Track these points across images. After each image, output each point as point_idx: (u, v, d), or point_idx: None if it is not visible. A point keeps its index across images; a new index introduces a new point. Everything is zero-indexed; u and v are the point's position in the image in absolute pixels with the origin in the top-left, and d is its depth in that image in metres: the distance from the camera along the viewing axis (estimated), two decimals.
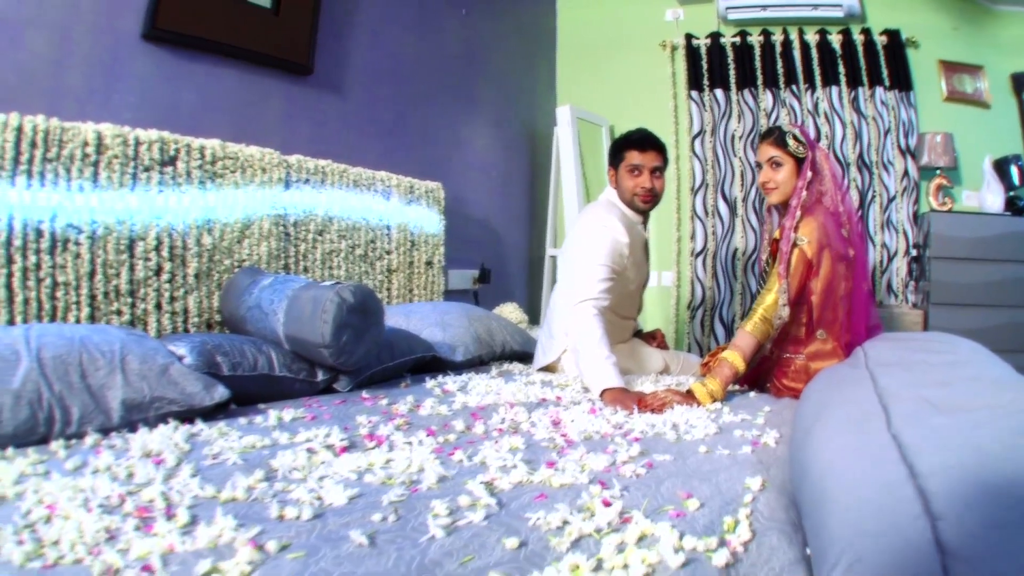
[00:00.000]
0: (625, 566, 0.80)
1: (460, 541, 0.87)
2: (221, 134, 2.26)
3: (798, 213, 1.93)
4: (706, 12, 3.96)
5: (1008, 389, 1.12)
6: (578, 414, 1.55)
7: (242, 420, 1.50)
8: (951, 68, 3.60)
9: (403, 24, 3.16)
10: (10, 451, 1.23)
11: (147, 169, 2.01)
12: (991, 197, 3.32)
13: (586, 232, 2.21)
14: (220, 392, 1.53)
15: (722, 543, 0.87)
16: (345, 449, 1.26)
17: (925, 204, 3.51)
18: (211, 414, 1.53)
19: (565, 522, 0.91)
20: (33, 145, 1.79)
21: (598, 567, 0.80)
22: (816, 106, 3.70)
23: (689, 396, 1.74)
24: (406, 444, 1.28)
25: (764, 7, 3.78)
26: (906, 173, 3.52)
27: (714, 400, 1.75)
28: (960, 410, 1.01)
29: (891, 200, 3.55)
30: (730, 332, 3.74)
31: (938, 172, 3.44)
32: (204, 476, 1.11)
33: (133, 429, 1.38)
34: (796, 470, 1.10)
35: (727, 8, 3.84)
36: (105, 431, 1.37)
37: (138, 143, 2.00)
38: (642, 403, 1.69)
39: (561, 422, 1.49)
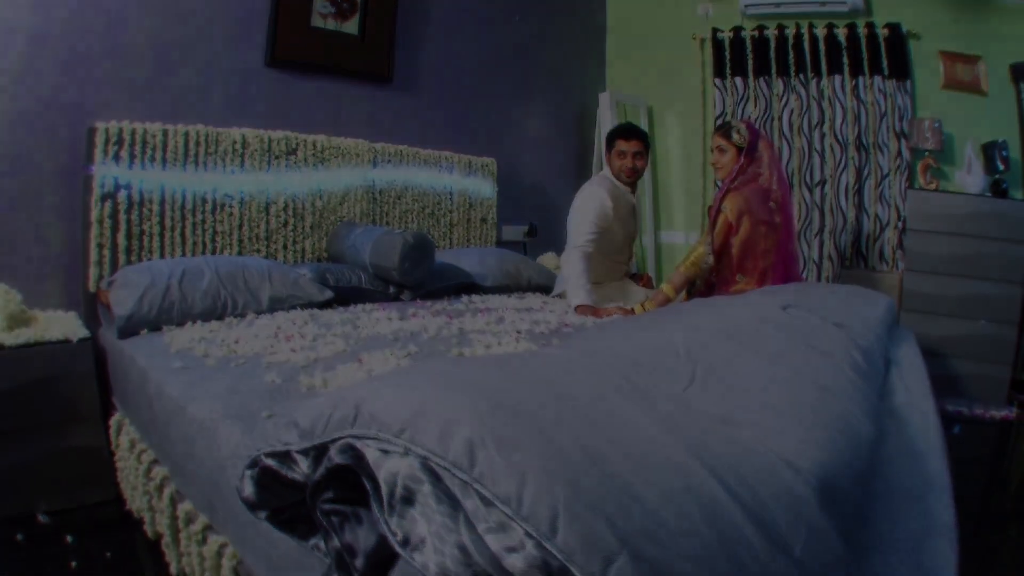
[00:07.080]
0: (500, 348, 1.67)
1: (437, 340, 1.81)
2: (326, 130, 3.11)
3: (726, 189, 2.64)
4: (731, 7, 4.48)
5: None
6: (548, 314, 2.39)
7: (341, 308, 2.44)
8: (951, 58, 3.89)
9: (464, 35, 3.91)
10: (199, 322, 2.13)
11: (277, 157, 2.84)
12: (971, 179, 3.62)
13: (582, 199, 2.94)
14: (327, 294, 2.48)
15: None
16: (398, 320, 2.17)
17: (917, 183, 3.86)
18: (322, 306, 2.46)
19: (488, 340, 1.79)
20: (198, 144, 2.60)
21: (488, 348, 1.68)
22: (821, 92, 4.21)
23: (631, 312, 2.54)
24: (432, 318, 2.18)
25: (778, 4, 4.29)
26: (899, 154, 3.98)
27: None
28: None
29: (884, 177, 4.04)
30: None
31: (926, 154, 3.81)
32: (320, 326, 2.04)
33: (274, 312, 2.30)
34: None
35: (746, 5, 4.37)
36: (258, 313, 2.28)
37: (271, 140, 2.82)
38: (596, 313, 2.50)
39: (531, 317, 2.32)
